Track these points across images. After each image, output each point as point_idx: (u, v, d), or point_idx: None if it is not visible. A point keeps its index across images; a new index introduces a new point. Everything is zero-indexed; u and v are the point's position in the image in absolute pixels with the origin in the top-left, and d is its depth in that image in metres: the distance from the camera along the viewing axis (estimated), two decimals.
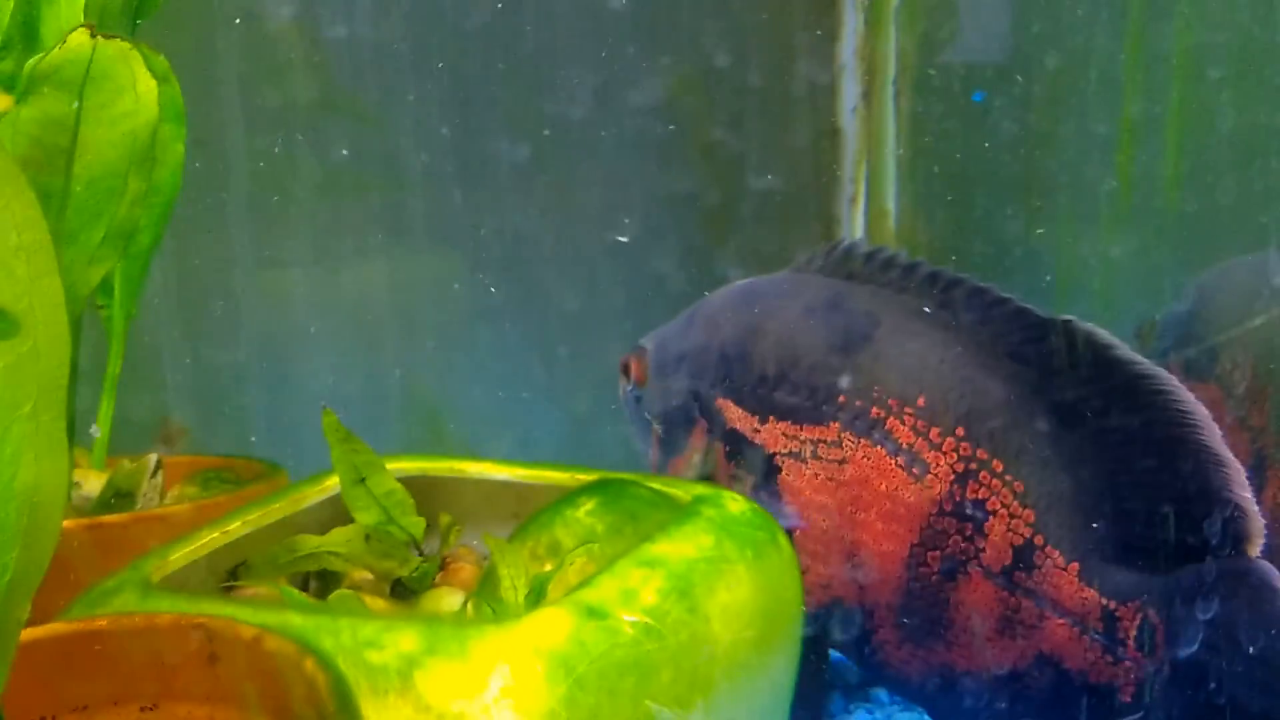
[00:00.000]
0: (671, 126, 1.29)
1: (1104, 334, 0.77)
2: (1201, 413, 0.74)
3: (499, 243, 1.23)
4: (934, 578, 0.80)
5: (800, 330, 0.87)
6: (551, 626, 0.52)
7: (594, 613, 0.53)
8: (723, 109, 1.28)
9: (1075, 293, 1.19)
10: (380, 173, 1.19)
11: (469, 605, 0.62)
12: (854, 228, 1.30)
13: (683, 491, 0.67)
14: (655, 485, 0.68)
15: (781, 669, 0.64)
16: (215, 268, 1.15)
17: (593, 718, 0.50)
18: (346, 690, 0.46)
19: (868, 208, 1.29)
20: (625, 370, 1.02)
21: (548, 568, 0.62)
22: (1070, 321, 0.78)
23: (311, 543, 0.66)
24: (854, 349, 0.84)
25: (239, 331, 1.15)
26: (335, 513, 0.71)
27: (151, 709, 0.51)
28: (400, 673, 0.50)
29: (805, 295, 0.89)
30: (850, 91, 1.28)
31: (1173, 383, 0.75)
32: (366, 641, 0.51)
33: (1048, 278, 1.21)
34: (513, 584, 0.59)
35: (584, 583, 0.56)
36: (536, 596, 0.59)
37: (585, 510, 0.64)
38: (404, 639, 0.51)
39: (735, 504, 0.66)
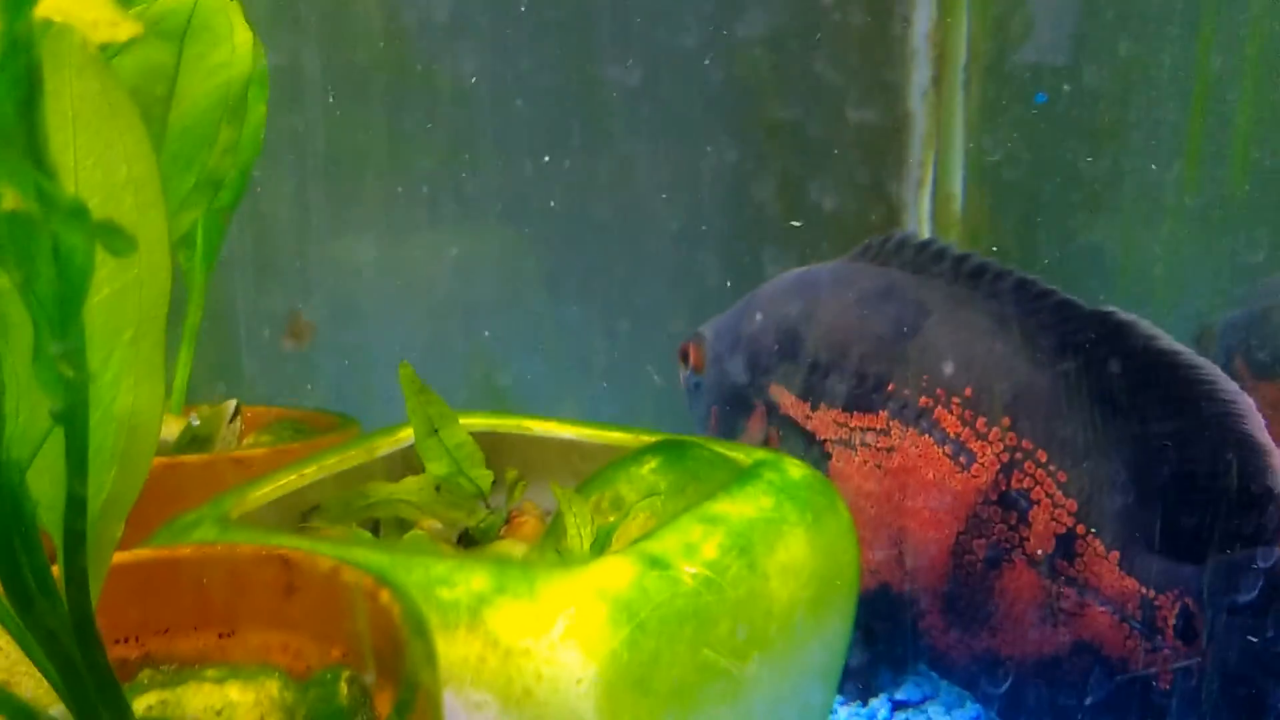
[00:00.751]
0: (734, 107, 1.29)
1: (1146, 325, 0.78)
2: (1245, 402, 0.74)
3: (567, 216, 1.24)
4: (979, 565, 0.81)
5: (851, 319, 0.88)
6: (616, 573, 0.53)
7: (656, 562, 0.55)
8: (790, 89, 1.29)
9: (1139, 284, 1.19)
10: (453, 143, 1.21)
11: (535, 553, 0.63)
12: (920, 212, 1.30)
13: (744, 455, 0.68)
14: (717, 448, 0.69)
15: (836, 633, 0.65)
16: (289, 232, 1.18)
17: (653, 661, 0.52)
18: (421, 621, 0.47)
19: (934, 192, 1.29)
20: (684, 357, 1.03)
21: (611, 520, 0.63)
22: (1113, 313, 0.79)
23: (384, 490, 0.68)
24: (903, 339, 0.85)
25: (310, 295, 1.18)
26: (406, 463, 0.73)
27: (229, 635, 0.53)
28: (470, 609, 0.52)
29: (857, 285, 0.90)
30: (920, 77, 1.29)
31: (1216, 372, 0.75)
32: (439, 579, 0.53)
33: (1112, 269, 1.21)
34: (578, 532, 0.60)
35: (647, 534, 0.57)
36: (601, 545, 0.60)
37: (649, 468, 0.66)
38: (475, 578, 0.53)
39: (796, 469, 0.67)
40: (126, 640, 0.53)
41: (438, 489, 0.69)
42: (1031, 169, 1.24)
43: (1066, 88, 1.19)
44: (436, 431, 0.69)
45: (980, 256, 0.86)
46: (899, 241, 0.91)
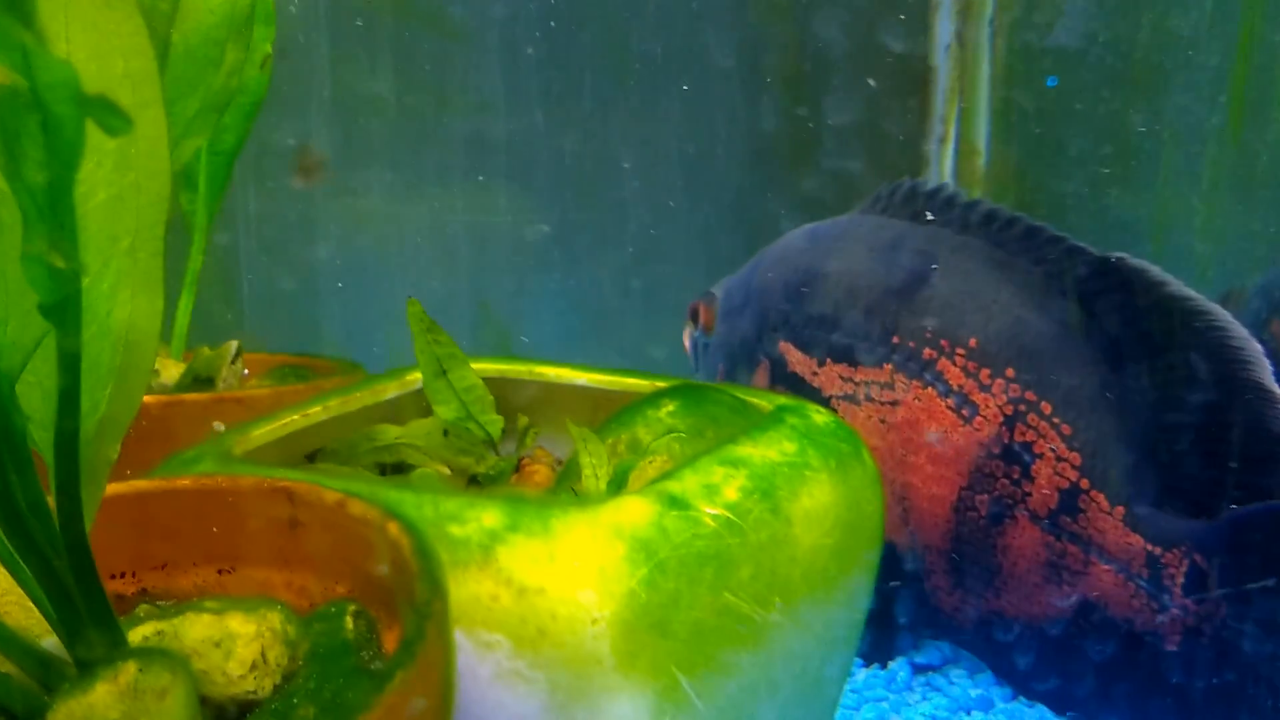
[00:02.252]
0: (754, 61, 1.27)
1: (1156, 270, 0.75)
2: (1254, 349, 0.72)
3: (579, 168, 1.22)
4: (982, 522, 0.79)
5: (857, 272, 0.86)
6: (634, 512, 0.51)
7: (676, 502, 0.52)
8: (812, 43, 1.26)
9: (1174, 240, 1.16)
10: (464, 93, 1.19)
11: (549, 495, 0.61)
12: (943, 166, 1.27)
13: (765, 401, 0.66)
14: (737, 393, 0.67)
15: (859, 585, 0.63)
16: (297, 189, 1.16)
17: (672, 603, 0.50)
18: (431, 556, 0.45)
19: (958, 146, 1.26)
20: (694, 316, 1.01)
21: (629, 461, 0.61)
22: (1123, 258, 0.76)
23: (391, 433, 0.66)
24: (908, 291, 0.83)
25: (316, 248, 1.16)
26: (414, 407, 0.71)
27: (230, 571, 0.51)
28: (482, 546, 0.49)
29: (864, 238, 0.88)
30: (945, 29, 1.26)
31: (1226, 318, 0.73)
32: (449, 515, 0.51)
33: (1145, 225, 1.18)
34: (594, 472, 0.58)
35: (666, 475, 0.55)
36: (618, 486, 0.58)
37: (667, 411, 0.63)
38: (487, 515, 0.50)
39: (820, 415, 0.64)
40: (122, 575, 0.51)
41: (446, 433, 0.67)
42: (1060, 122, 1.21)
43: (1101, 37, 1.16)
44: (445, 373, 0.67)
45: (989, 203, 0.83)
46: (908, 190, 0.89)
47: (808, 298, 0.89)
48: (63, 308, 0.35)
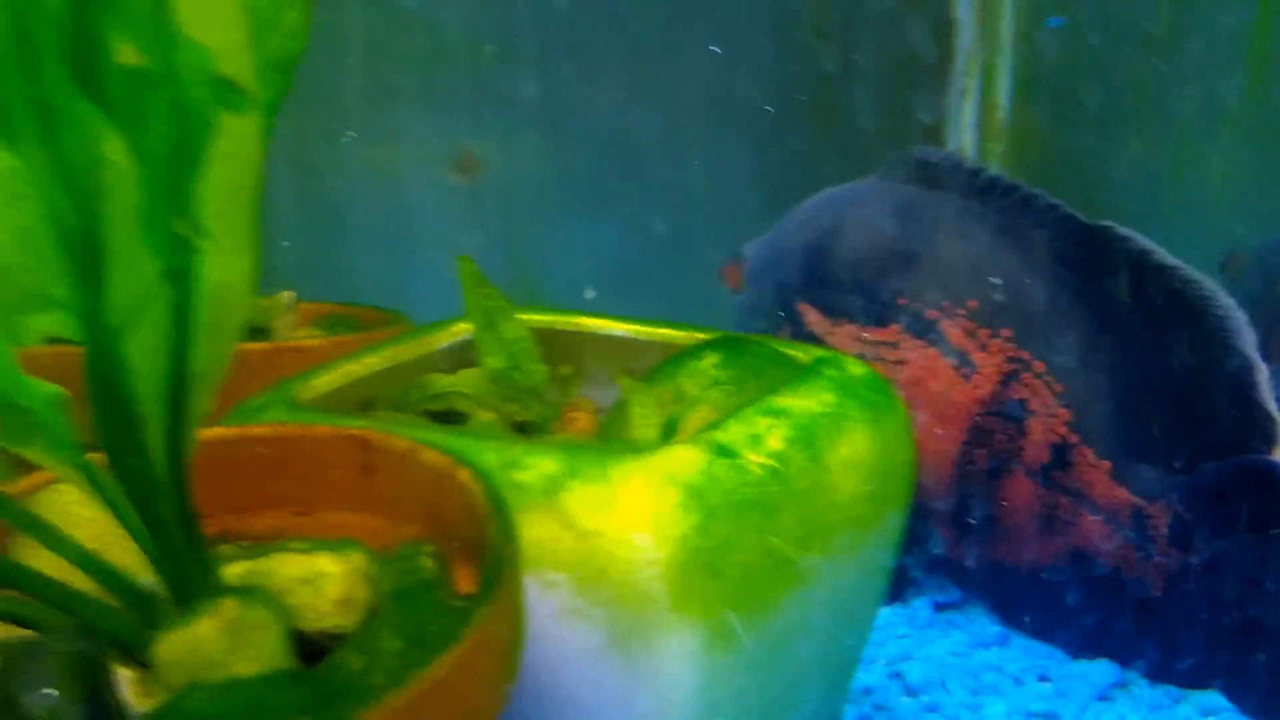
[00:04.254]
0: (774, 17, 1.28)
1: (1141, 240, 0.80)
2: (1238, 318, 0.76)
3: (608, 120, 1.23)
4: (981, 475, 0.82)
5: (868, 236, 0.90)
6: (686, 460, 0.54)
7: (724, 451, 0.55)
8: None
9: (1191, 198, 1.18)
10: (491, 46, 1.20)
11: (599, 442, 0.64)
12: (963, 122, 1.29)
13: (803, 353, 0.69)
14: (777, 345, 0.69)
15: (892, 529, 0.66)
16: (327, 139, 1.17)
17: (723, 547, 0.53)
18: (501, 500, 0.48)
19: (981, 101, 1.28)
20: (724, 277, 1.04)
21: (675, 411, 0.64)
22: (1110, 227, 0.80)
23: (442, 382, 0.69)
24: (915, 254, 0.87)
25: (350, 202, 1.18)
26: (460, 357, 0.74)
27: (305, 514, 0.54)
28: (544, 491, 0.52)
29: (877, 203, 0.92)
30: None
31: (1210, 287, 0.77)
32: (512, 461, 0.53)
33: (1163, 182, 1.20)
34: (644, 422, 0.61)
35: (713, 425, 0.58)
36: (666, 435, 0.61)
37: (710, 362, 0.66)
38: (547, 461, 0.53)
39: (856, 367, 0.67)
40: (205, 517, 0.54)
41: (493, 382, 0.70)
42: (1081, 78, 1.23)
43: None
44: (494, 325, 0.69)
45: (991, 171, 0.87)
46: (919, 159, 0.92)
47: (824, 261, 0.92)
48: (181, 272, 0.37)
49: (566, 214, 1.26)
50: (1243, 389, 0.75)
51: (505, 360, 0.70)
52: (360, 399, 0.67)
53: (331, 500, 0.54)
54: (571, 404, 0.73)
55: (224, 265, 0.44)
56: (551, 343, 0.75)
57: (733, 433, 0.57)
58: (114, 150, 0.37)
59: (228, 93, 0.33)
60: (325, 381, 0.65)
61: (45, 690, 0.40)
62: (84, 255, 0.38)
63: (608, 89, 1.22)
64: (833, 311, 0.91)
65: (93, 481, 0.43)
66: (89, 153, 0.36)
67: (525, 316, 0.74)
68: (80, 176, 0.37)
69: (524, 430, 0.70)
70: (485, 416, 0.70)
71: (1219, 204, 1.16)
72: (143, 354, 0.43)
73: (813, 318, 0.92)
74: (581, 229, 1.26)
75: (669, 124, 1.26)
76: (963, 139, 1.28)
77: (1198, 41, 1.12)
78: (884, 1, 1.28)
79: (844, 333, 0.90)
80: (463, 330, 0.73)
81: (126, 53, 0.33)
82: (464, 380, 0.69)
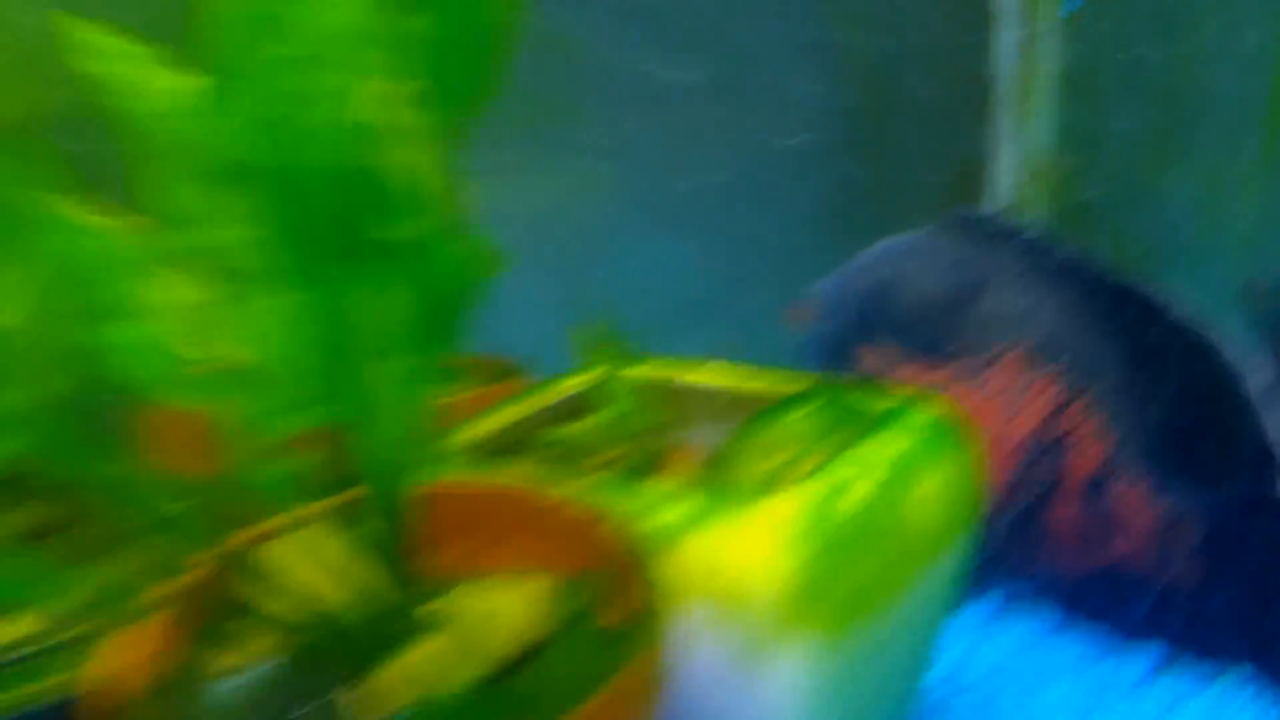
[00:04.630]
0: (825, 52, 1.37)
1: (1163, 294, 0.91)
2: (1240, 369, 0.88)
3: (676, 155, 1.32)
4: (1030, 501, 0.94)
5: (924, 287, 1.02)
6: (797, 502, 0.64)
7: (824, 495, 0.66)
8: (879, 20, 1.36)
9: (1232, 233, 1.27)
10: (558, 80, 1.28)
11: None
12: (1003, 163, 1.38)
13: (882, 400, 0.79)
14: (858, 392, 0.79)
15: (962, 551, 0.76)
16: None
17: (831, 576, 0.63)
18: (642, 545, 0.58)
19: (1021, 140, 1.37)
20: (795, 316, 1.15)
21: (775, 459, 0.74)
22: (1133, 286, 0.92)
23: (563, 431, 0.79)
24: (970, 303, 0.98)
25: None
26: (577, 406, 0.84)
27: (482, 556, 0.64)
28: (680, 530, 0.62)
29: (932, 257, 1.04)
30: (1010, 31, 1.36)
31: (1216, 342, 0.89)
32: (648, 507, 0.64)
33: (1203, 219, 1.29)
34: (752, 467, 0.71)
35: (810, 472, 0.68)
36: (770, 480, 0.71)
37: (803, 412, 0.76)
38: (682, 506, 0.64)
39: (929, 410, 0.77)
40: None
41: (609, 429, 0.80)
42: (1122, 122, 1.31)
43: (1169, 50, 1.25)
44: (609, 378, 0.80)
45: (1036, 231, 0.99)
46: (969, 218, 1.04)
47: (882, 307, 1.04)
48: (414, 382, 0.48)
49: (640, 250, 1.34)
50: (1242, 427, 0.87)
51: (619, 409, 0.80)
52: (498, 446, 0.78)
53: (504, 544, 0.64)
54: (671, 450, 0.83)
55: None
56: (653, 392, 0.85)
57: (830, 478, 0.67)
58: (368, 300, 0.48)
59: (483, 259, 0.44)
60: (474, 434, 0.75)
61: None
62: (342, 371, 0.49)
63: (668, 131, 1.31)
64: (891, 353, 1.02)
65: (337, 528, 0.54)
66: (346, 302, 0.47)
67: (631, 371, 0.84)
68: (336, 319, 0.48)
69: (637, 471, 0.80)
70: (598, 460, 0.81)
71: (1260, 240, 1.25)
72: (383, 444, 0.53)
73: (872, 359, 1.03)
74: (657, 264, 1.34)
75: (740, 154, 1.35)
76: (1002, 180, 1.38)
77: (1227, 99, 1.21)
78: (927, 41, 1.37)
79: (903, 373, 1.01)
80: (578, 383, 0.84)
81: (392, 228, 0.44)
82: (582, 429, 0.79)
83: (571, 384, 0.84)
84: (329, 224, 0.44)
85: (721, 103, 1.35)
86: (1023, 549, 0.96)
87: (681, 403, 0.86)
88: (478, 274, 0.46)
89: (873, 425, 0.74)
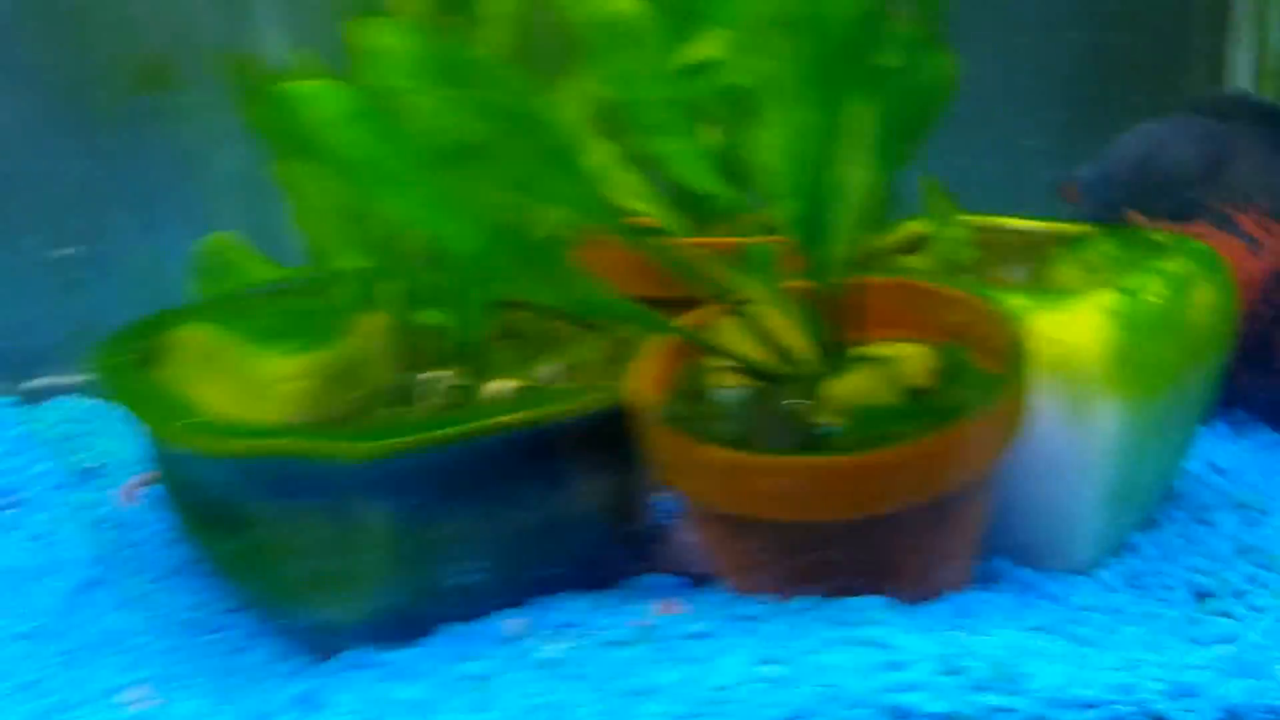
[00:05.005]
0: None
1: None
2: None
3: None
4: (1265, 324, 1.13)
5: (1176, 158, 1.21)
6: (1107, 297, 0.86)
7: (1130, 292, 0.87)
8: None
9: None
10: None
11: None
12: (1238, 68, 1.56)
13: (1162, 237, 1.00)
14: (1143, 231, 1.01)
15: (1220, 358, 0.97)
16: None
17: (1138, 351, 0.84)
18: (1012, 319, 0.81)
19: (1257, 45, 1.54)
20: (1065, 193, 1.35)
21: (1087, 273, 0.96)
22: None
23: (909, 260, 1.02)
24: (1216, 169, 1.17)
25: None
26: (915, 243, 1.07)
27: (894, 327, 0.86)
28: (1024, 313, 0.84)
29: (1184, 131, 1.24)
30: None
31: None
32: (999, 299, 0.86)
33: None
34: (1071, 277, 0.93)
35: (1116, 277, 0.89)
36: (1088, 284, 0.93)
37: (1103, 243, 0.98)
38: (1017, 299, 0.86)
39: (1200, 244, 0.98)
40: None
41: (942, 260, 1.02)
42: None
43: None
44: (943, 224, 1.02)
45: (1271, 101, 1.18)
46: (1214, 96, 1.23)
47: (1142, 178, 1.24)
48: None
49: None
50: None
51: (949, 248, 1.02)
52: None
53: (905, 321, 0.86)
54: (992, 275, 1.05)
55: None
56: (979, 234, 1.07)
57: (1131, 282, 0.89)
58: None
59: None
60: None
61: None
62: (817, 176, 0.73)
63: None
64: (1151, 215, 1.22)
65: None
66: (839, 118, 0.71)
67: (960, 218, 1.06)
68: (829, 133, 0.72)
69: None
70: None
71: None
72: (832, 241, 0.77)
73: (1136, 221, 1.23)
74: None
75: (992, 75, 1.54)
76: (1240, 76, 1.55)
77: None
78: None
79: (1162, 227, 1.20)
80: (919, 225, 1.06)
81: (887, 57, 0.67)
82: (924, 259, 1.02)
83: (915, 226, 1.07)
84: (844, 56, 0.67)
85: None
86: (1256, 369, 1.15)
87: (999, 245, 1.08)
88: (940, 99, 0.69)
89: (1157, 251, 0.96)
